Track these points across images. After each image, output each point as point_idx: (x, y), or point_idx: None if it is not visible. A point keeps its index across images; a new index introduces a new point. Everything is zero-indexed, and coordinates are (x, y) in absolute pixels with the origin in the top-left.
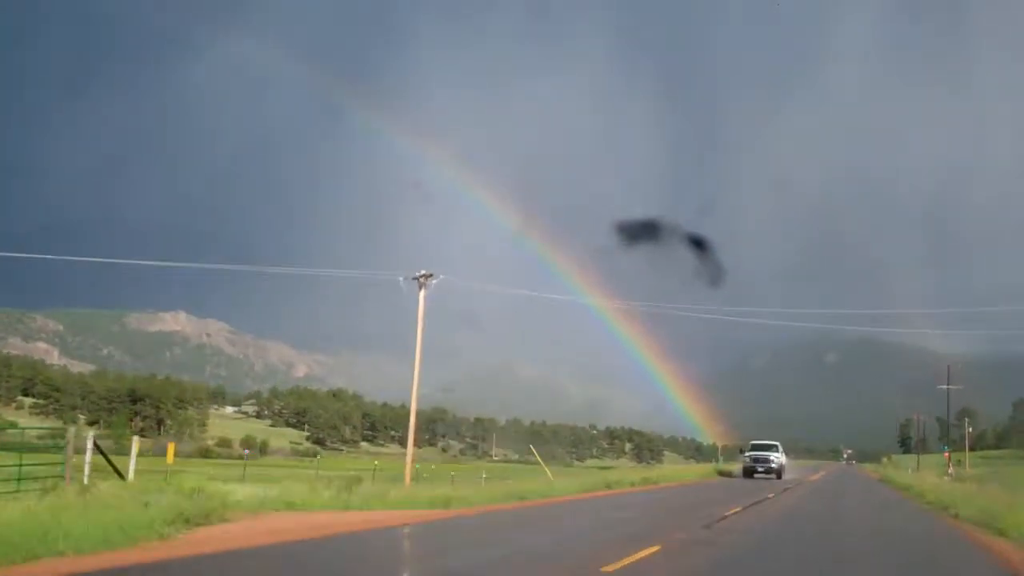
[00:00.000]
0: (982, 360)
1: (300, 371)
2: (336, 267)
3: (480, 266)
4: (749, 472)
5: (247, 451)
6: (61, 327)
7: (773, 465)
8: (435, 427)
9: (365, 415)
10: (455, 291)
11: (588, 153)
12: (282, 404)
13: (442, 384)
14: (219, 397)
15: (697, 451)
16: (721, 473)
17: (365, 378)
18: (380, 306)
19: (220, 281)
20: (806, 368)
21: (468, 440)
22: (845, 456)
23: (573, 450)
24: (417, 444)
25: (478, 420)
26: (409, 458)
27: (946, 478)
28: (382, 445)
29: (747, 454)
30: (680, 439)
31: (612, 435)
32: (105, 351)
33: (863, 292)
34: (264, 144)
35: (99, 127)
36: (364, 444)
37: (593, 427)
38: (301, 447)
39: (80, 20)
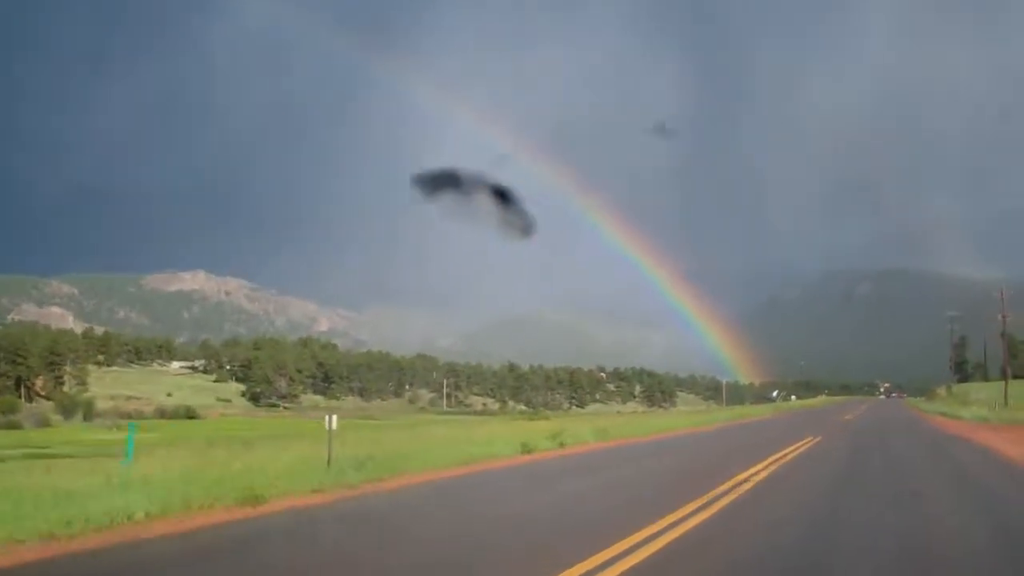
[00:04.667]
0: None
1: (323, 326)
2: (363, 214)
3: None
4: None
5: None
6: (76, 291)
7: None
8: (411, 376)
9: (320, 364)
10: None
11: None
12: (229, 357)
13: (467, 332)
14: (163, 351)
15: (716, 391)
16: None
17: (390, 331)
18: (404, 257)
19: (242, 237)
20: (838, 302)
21: (442, 390)
22: (883, 390)
23: (574, 395)
24: (381, 395)
25: (469, 367)
26: None
27: None
28: (338, 398)
29: None
30: (699, 378)
31: (620, 377)
32: (121, 313)
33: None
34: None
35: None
36: (317, 397)
37: (601, 369)
38: (232, 405)
39: None
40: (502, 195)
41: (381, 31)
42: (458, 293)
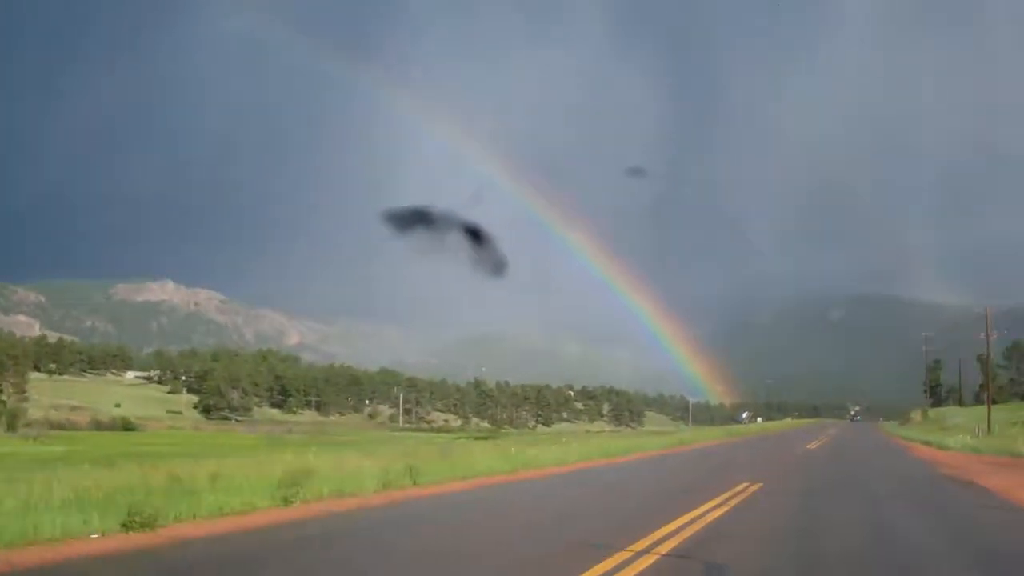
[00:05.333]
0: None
1: (293, 339)
2: (338, 228)
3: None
4: None
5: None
6: (43, 299)
7: None
8: (370, 391)
9: (277, 377)
10: None
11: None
12: (184, 368)
13: (438, 349)
14: (118, 361)
15: (686, 411)
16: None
17: (360, 345)
18: (377, 272)
19: (214, 249)
20: (810, 325)
21: (405, 405)
22: (852, 414)
23: (539, 413)
24: (339, 410)
25: (433, 382)
26: None
27: None
28: (294, 412)
29: None
30: (668, 397)
31: (588, 395)
32: (89, 322)
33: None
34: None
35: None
36: (273, 411)
37: (569, 387)
38: (183, 417)
39: None
40: (474, 234)
41: (361, 44)
42: (429, 310)
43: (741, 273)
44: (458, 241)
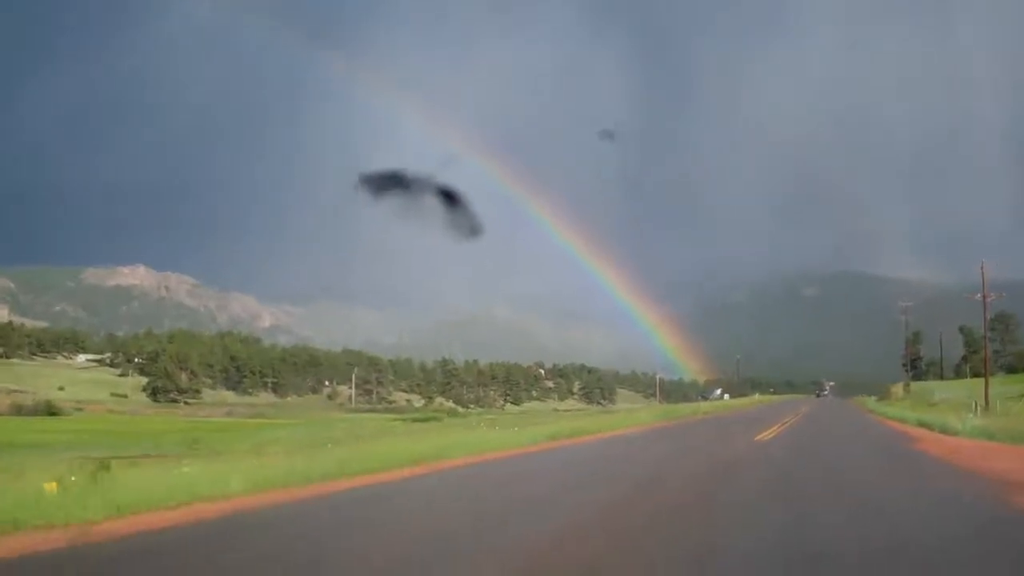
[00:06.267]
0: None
1: (265, 322)
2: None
3: None
4: None
5: None
6: (13, 284)
7: None
8: (330, 371)
9: (233, 359)
10: None
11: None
12: (136, 350)
13: (414, 330)
14: (70, 344)
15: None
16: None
17: (334, 328)
18: (352, 254)
19: (187, 234)
20: (785, 303)
21: (364, 386)
22: (818, 389)
23: (508, 392)
24: (297, 391)
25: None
26: None
27: None
28: (250, 393)
29: None
30: (640, 375)
31: (559, 373)
32: (59, 307)
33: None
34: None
35: (68, 87)
36: (227, 393)
37: (540, 365)
38: (128, 401)
39: None
40: (449, 196)
41: (329, 28)
42: (406, 291)
43: (716, 252)
44: (433, 205)
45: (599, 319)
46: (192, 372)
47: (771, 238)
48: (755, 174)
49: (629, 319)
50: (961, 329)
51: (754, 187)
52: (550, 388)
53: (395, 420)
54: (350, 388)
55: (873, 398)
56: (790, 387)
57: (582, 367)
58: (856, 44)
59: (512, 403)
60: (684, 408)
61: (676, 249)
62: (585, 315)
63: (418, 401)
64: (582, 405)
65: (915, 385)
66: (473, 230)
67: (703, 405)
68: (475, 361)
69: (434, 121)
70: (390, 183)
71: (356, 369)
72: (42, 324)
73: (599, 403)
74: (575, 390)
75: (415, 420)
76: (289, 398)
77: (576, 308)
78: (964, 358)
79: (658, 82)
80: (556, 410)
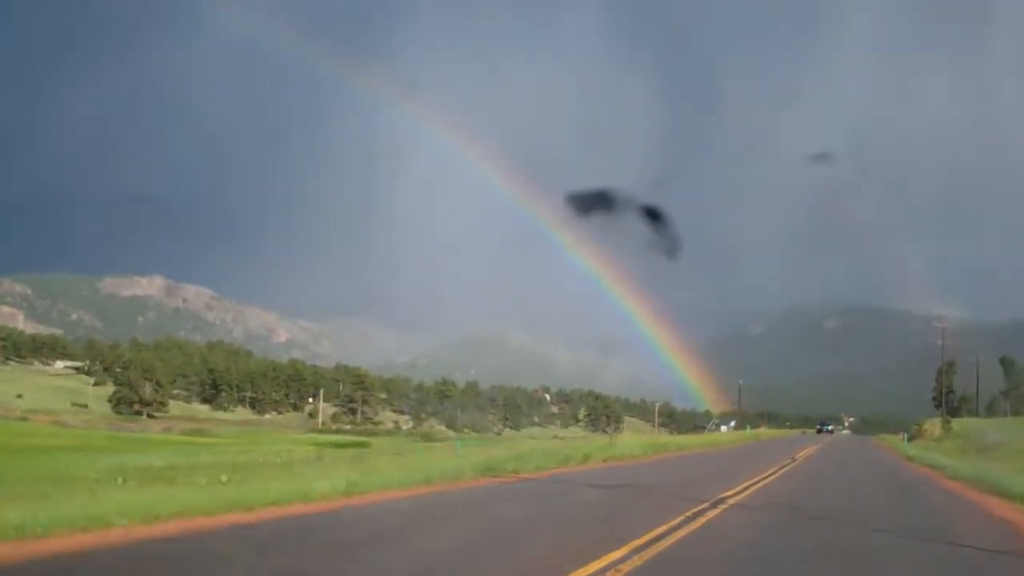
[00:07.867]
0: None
1: (282, 337)
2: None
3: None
4: None
5: None
6: (30, 291)
7: None
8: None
9: (211, 371)
10: None
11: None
12: (114, 358)
13: (429, 350)
14: (48, 351)
15: (669, 417)
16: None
17: (350, 345)
18: (372, 272)
19: (208, 247)
20: (805, 336)
21: (351, 405)
22: (819, 425)
23: (507, 417)
24: (277, 407)
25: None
26: None
27: None
28: (225, 408)
29: None
30: (649, 403)
31: (565, 399)
32: (74, 316)
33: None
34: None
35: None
36: (200, 407)
37: (546, 389)
38: (87, 412)
39: None
40: (654, 215)
41: (357, 41)
42: (423, 311)
43: (737, 285)
44: (637, 223)
45: (619, 348)
46: (158, 383)
47: (794, 273)
48: (781, 211)
49: (648, 348)
50: (1002, 360)
51: (779, 223)
52: (554, 414)
53: (323, 445)
54: (333, 406)
55: (901, 437)
56: (806, 421)
57: (588, 393)
58: (886, 83)
59: (512, 428)
60: (666, 440)
61: (698, 281)
62: (603, 343)
63: (407, 423)
64: (586, 432)
65: (957, 423)
66: (671, 250)
67: (681, 439)
68: (475, 383)
69: (462, 141)
70: (595, 201)
71: (342, 387)
72: (56, 331)
73: (604, 431)
74: (580, 416)
75: (337, 446)
76: (267, 415)
77: (595, 336)
78: (1005, 393)
79: (682, 121)
80: (556, 436)
